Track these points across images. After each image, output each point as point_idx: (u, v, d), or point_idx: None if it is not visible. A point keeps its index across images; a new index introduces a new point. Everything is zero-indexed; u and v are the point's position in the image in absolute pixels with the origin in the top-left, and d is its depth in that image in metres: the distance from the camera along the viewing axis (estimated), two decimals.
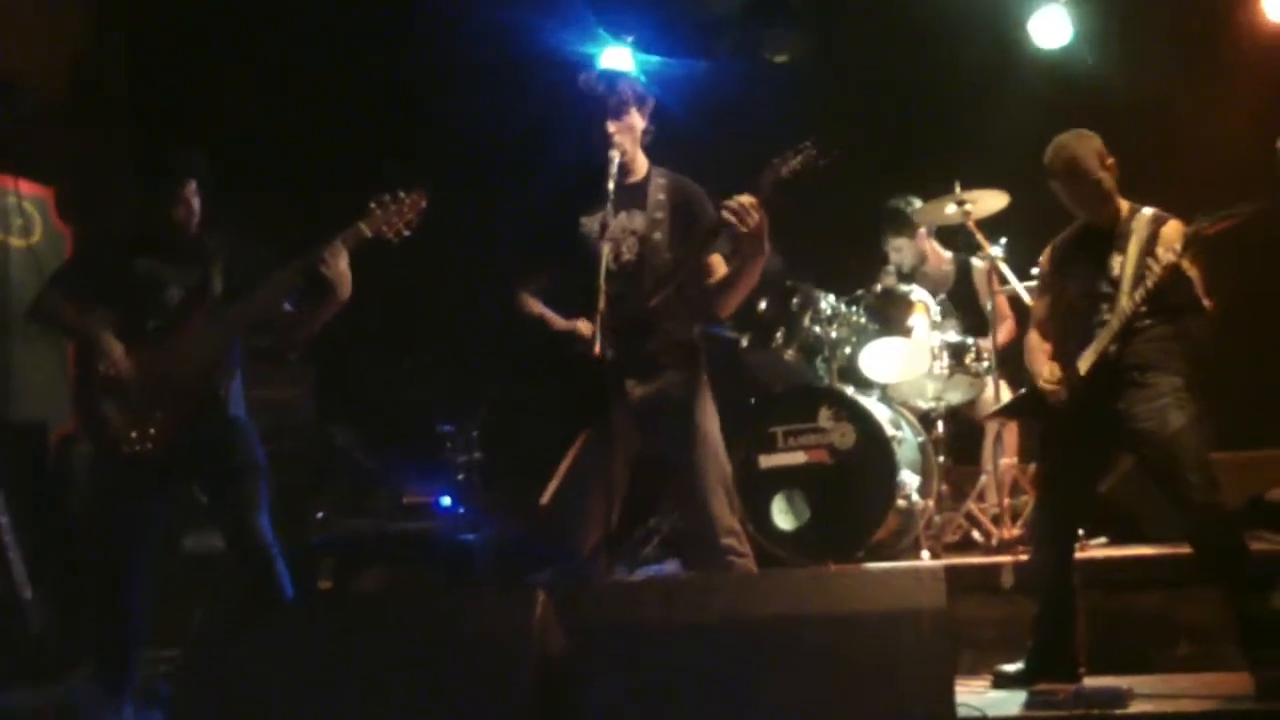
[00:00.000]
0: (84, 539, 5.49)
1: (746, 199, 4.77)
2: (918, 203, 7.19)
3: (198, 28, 7.97)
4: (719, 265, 5.05)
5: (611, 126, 5.07)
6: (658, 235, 5.06)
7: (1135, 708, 4.69)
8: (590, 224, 5.07)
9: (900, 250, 7.32)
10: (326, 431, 7.68)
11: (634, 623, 4.15)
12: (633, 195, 5.10)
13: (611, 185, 5.01)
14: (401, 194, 5.34)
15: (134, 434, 5.23)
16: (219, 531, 5.57)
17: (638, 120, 5.14)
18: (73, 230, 7.59)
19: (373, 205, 5.32)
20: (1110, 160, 5.24)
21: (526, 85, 7.64)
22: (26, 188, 7.49)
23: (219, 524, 5.54)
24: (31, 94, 7.16)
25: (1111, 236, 5.22)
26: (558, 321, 5.07)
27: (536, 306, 5.14)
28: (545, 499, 5.18)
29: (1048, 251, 5.51)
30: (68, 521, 6.68)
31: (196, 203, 5.45)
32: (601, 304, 4.87)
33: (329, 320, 5.38)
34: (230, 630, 4.46)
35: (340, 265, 5.22)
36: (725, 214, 4.79)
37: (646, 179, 5.15)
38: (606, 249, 4.97)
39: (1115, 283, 5.15)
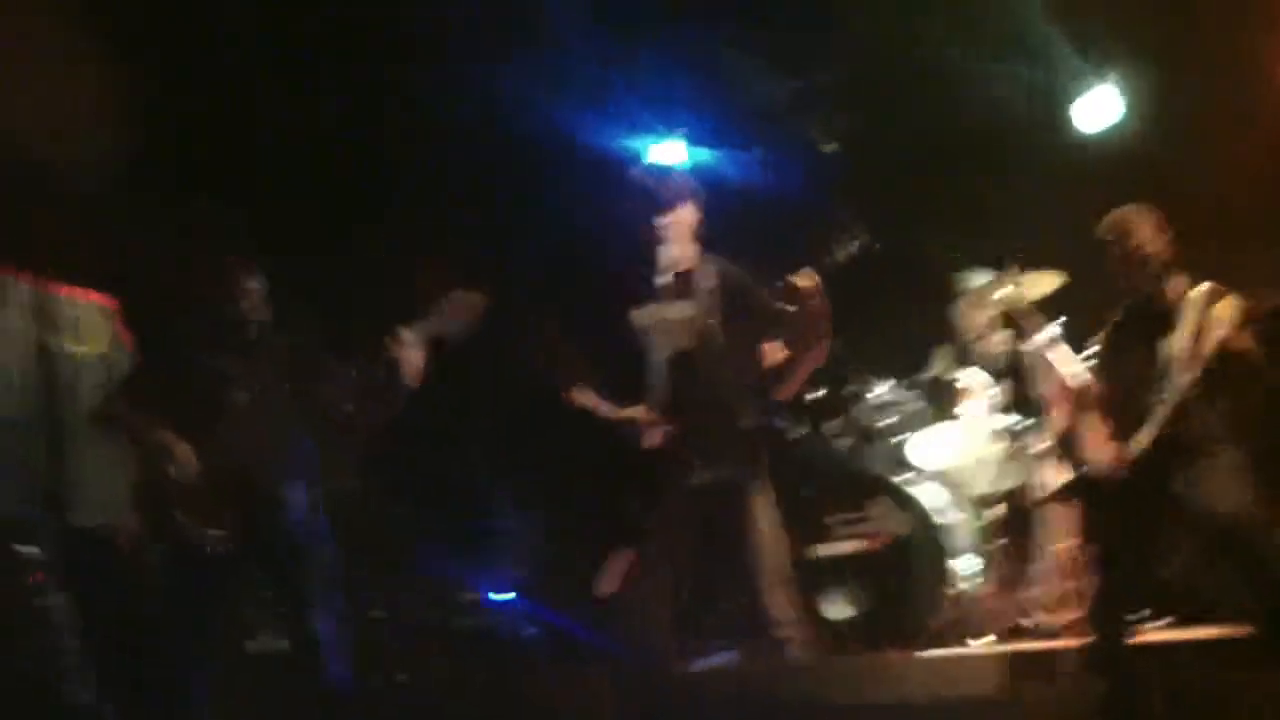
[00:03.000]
0: (156, 641, 5.52)
1: (807, 279, 4.81)
2: (984, 275, 7.15)
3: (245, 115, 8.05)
4: (775, 352, 5.08)
5: (663, 220, 5.13)
6: (710, 323, 5.10)
7: None
8: (642, 316, 5.11)
9: (967, 317, 7.27)
10: (383, 525, 7.71)
11: (701, 711, 4.15)
12: (683, 285, 5.14)
13: (668, 276, 5.08)
14: (461, 292, 5.41)
15: (206, 534, 5.28)
16: (283, 633, 5.61)
17: (689, 213, 5.19)
18: (134, 337, 7.69)
19: (441, 302, 5.38)
20: (1168, 234, 5.23)
21: (578, 181, 7.71)
22: (92, 298, 7.62)
23: (283, 623, 5.57)
24: (90, 200, 7.27)
25: (1165, 314, 5.20)
26: (614, 411, 5.10)
27: (591, 399, 5.18)
28: (605, 589, 5.20)
29: (1103, 332, 5.50)
30: (139, 625, 6.72)
31: (258, 298, 5.52)
32: (659, 391, 4.92)
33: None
34: None
35: (413, 352, 5.21)
36: (792, 286, 4.82)
37: (696, 269, 5.19)
38: (661, 339, 5.01)
39: (1169, 362, 5.12)
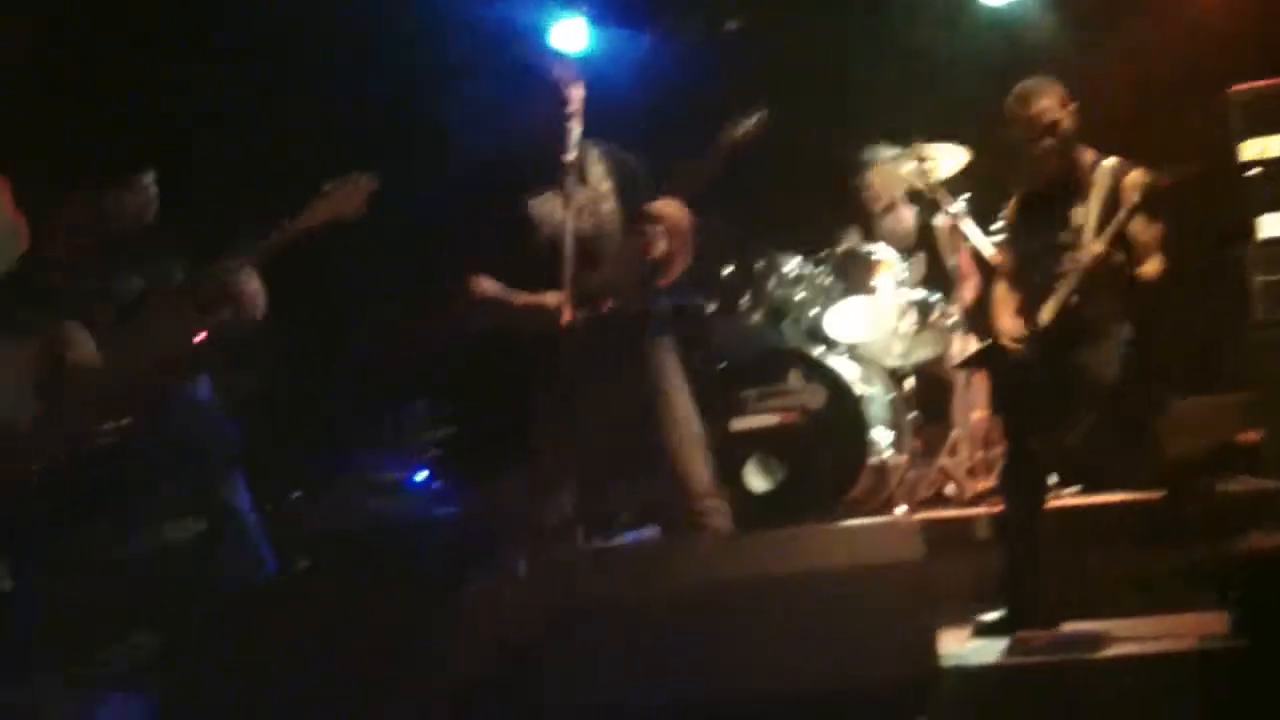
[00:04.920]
0: (52, 535, 5.46)
1: (667, 202, 4.85)
2: (891, 149, 7.16)
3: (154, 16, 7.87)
4: (658, 245, 5.09)
5: (569, 102, 5.08)
6: (606, 207, 5.10)
7: (1114, 650, 4.73)
8: (542, 203, 5.08)
9: (871, 188, 7.30)
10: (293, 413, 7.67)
11: (611, 589, 4.17)
12: (576, 171, 5.12)
13: (572, 157, 5.05)
14: (352, 176, 5.36)
15: (102, 427, 5.22)
16: (198, 516, 5.58)
17: (580, 94, 5.16)
18: (27, 220, 7.53)
19: (325, 188, 5.33)
20: (1071, 105, 5.25)
21: (474, 59, 7.60)
22: None
23: (197, 508, 5.55)
24: None
25: (1073, 187, 5.23)
26: (520, 296, 5.07)
27: (493, 286, 5.13)
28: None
29: (1010, 204, 5.53)
30: (35, 519, 6.63)
31: (151, 194, 5.45)
32: (569, 271, 4.91)
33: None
34: (207, 616, 4.49)
35: (252, 285, 5.23)
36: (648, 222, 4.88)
37: (583, 154, 5.16)
38: (560, 225, 5.01)
39: (1077, 233, 5.16)
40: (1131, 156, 5.22)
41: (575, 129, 5.10)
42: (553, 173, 5.10)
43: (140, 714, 4.66)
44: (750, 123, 4.92)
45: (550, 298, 4.98)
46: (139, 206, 5.44)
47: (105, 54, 7.33)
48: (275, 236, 5.27)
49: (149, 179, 5.46)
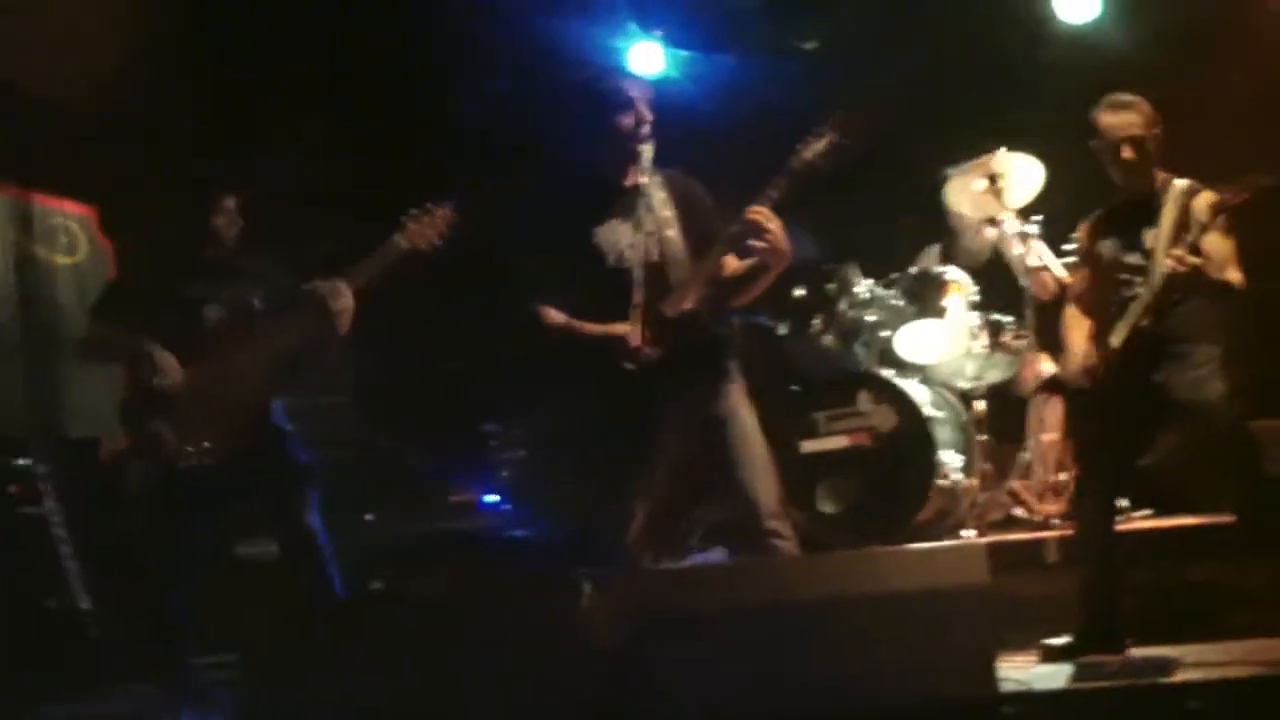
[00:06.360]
0: (138, 552, 5.57)
1: (763, 209, 4.85)
2: (963, 166, 7.15)
3: (236, 42, 8.02)
4: (731, 260, 5.10)
5: (644, 126, 5.11)
6: (671, 233, 5.10)
7: (1183, 676, 4.69)
8: (609, 229, 5.11)
9: (960, 193, 7.28)
10: (370, 435, 7.75)
11: (682, 609, 4.20)
12: (639, 198, 5.13)
13: (645, 180, 5.07)
14: (430, 206, 5.46)
15: (187, 449, 5.32)
16: (273, 538, 5.67)
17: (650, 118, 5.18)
18: (115, 246, 7.69)
19: (405, 219, 5.43)
20: (1158, 129, 5.23)
21: (551, 82, 7.66)
22: (70, 207, 7.61)
23: (272, 530, 5.64)
24: (73, 114, 7.26)
25: (1146, 208, 5.21)
26: (588, 327, 5.09)
27: (560, 317, 5.16)
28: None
29: (1084, 225, 5.51)
30: (123, 536, 6.79)
31: (237, 216, 5.55)
32: (639, 300, 4.94)
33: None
34: (286, 634, 4.55)
35: (345, 301, 5.35)
36: (750, 223, 4.86)
37: (649, 180, 5.16)
38: (627, 254, 5.03)
39: (1149, 254, 5.14)
40: (1209, 176, 5.20)
41: (647, 152, 5.11)
42: (620, 198, 5.13)
43: None
44: (822, 143, 4.92)
45: (619, 328, 5.00)
46: (224, 229, 5.55)
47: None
48: (370, 262, 5.36)
49: (232, 201, 5.56)
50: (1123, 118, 5.21)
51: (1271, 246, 5.43)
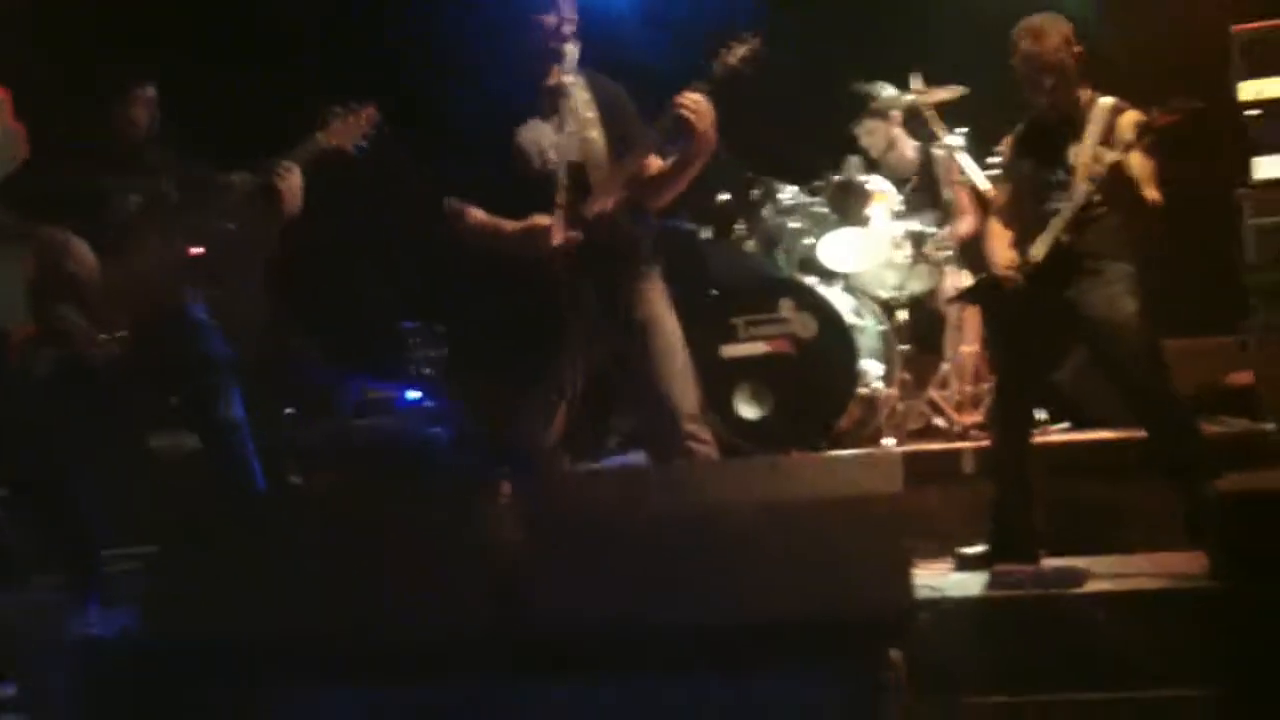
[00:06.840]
0: (45, 443, 5.49)
1: (697, 95, 4.79)
2: (888, 89, 7.16)
3: None
4: (653, 161, 5.07)
5: (567, 25, 5.05)
6: (593, 134, 5.06)
7: (1092, 587, 4.78)
8: (531, 128, 5.06)
9: (873, 133, 7.30)
10: (289, 332, 7.69)
11: (593, 513, 4.20)
12: (560, 99, 5.09)
13: (568, 80, 5.02)
14: (353, 104, 5.36)
15: (99, 336, 5.24)
16: (190, 429, 5.62)
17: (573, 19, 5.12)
18: (27, 130, 7.53)
19: (327, 116, 5.33)
20: (1078, 47, 5.23)
21: None
22: None
23: (192, 422, 5.58)
24: None
25: (1069, 125, 5.21)
26: (509, 223, 5.06)
27: (480, 214, 5.13)
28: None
29: (1007, 140, 5.51)
30: (29, 426, 6.68)
31: (152, 108, 5.44)
32: (561, 201, 4.90)
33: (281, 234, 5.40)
34: (198, 527, 4.52)
35: (294, 180, 5.24)
36: (680, 111, 4.80)
37: (570, 82, 5.12)
38: (549, 154, 5.00)
39: (1070, 171, 5.16)
40: (1131, 97, 5.21)
41: (571, 52, 5.05)
42: (542, 99, 5.07)
43: (132, 622, 4.71)
44: (744, 49, 4.88)
45: (540, 219, 4.97)
46: (140, 119, 5.43)
47: None
48: (290, 157, 5.27)
49: (150, 91, 5.44)
50: (1041, 44, 5.20)
51: (1187, 168, 5.45)
